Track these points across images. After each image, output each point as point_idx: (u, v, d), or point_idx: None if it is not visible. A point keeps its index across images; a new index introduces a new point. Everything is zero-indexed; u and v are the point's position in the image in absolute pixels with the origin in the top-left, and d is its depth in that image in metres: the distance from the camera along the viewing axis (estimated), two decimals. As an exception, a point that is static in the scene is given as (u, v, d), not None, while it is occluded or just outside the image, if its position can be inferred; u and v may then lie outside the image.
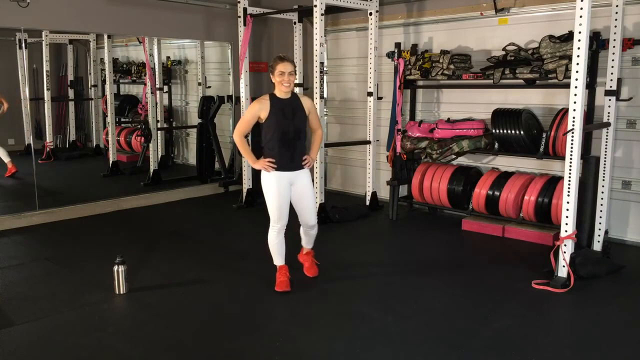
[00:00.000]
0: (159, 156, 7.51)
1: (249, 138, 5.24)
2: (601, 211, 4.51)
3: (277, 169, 3.78)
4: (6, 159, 6.68)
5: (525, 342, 3.20)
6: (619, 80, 4.33)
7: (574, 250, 4.07)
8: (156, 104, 7.24)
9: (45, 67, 6.81)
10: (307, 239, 4.20)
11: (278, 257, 4.00)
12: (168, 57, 7.94)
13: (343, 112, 7.22)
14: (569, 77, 3.90)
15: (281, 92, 3.78)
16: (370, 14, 6.01)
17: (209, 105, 7.31)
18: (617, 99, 4.37)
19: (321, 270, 4.29)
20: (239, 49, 6.32)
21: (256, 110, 3.76)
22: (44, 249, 5.02)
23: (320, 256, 4.36)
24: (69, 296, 3.88)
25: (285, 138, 3.76)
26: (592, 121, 4.83)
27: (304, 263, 4.27)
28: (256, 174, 6.49)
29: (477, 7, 5.66)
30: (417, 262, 4.61)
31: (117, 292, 3.88)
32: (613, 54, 4.28)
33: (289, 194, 3.85)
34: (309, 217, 3.99)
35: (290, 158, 3.79)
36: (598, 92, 4.78)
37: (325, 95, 5.93)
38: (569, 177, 3.93)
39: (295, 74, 3.84)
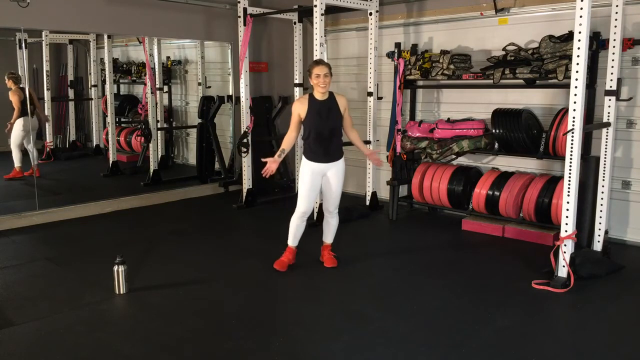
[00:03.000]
0: (159, 156, 7.50)
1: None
2: (601, 211, 4.50)
3: (312, 160, 4.14)
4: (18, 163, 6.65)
5: (525, 342, 3.20)
6: (619, 80, 4.32)
7: (574, 250, 4.07)
8: (156, 104, 7.23)
9: (45, 67, 6.81)
10: (328, 230, 4.44)
11: (292, 238, 4.36)
12: (168, 57, 7.93)
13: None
14: (569, 77, 3.90)
15: (318, 93, 4.11)
16: (370, 14, 6.01)
17: (209, 105, 7.32)
18: (617, 99, 4.37)
19: (321, 270, 4.34)
20: (239, 49, 6.32)
21: (297, 110, 4.15)
22: (44, 249, 5.02)
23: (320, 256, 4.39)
24: (69, 296, 3.88)
25: (320, 137, 4.11)
26: (592, 121, 4.83)
27: (322, 256, 4.47)
28: (256, 173, 6.52)
29: (477, 7, 5.66)
30: (417, 262, 4.61)
31: (117, 292, 3.88)
32: (613, 54, 4.27)
33: (319, 184, 4.23)
34: (331, 203, 4.31)
35: (324, 152, 4.13)
36: (598, 92, 4.78)
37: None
38: (569, 177, 3.93)
39: (331, 75, 4.11)
